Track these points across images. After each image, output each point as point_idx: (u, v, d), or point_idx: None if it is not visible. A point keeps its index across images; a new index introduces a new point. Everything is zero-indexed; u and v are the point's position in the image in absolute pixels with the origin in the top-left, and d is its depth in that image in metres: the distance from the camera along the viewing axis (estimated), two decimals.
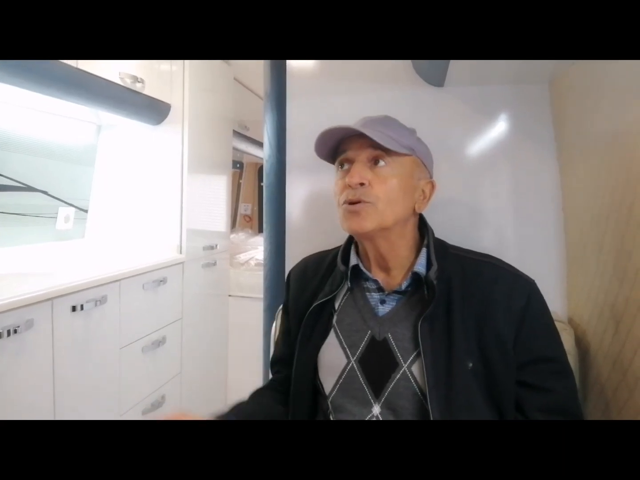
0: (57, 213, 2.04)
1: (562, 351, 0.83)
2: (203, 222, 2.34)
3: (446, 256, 0.86)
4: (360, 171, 0.80)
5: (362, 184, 0.80)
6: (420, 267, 0.84)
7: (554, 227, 1.12)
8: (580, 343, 1.00)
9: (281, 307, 1.03)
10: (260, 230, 3.93)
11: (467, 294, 0.81)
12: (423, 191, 0.86)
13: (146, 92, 1.94)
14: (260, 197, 4.18)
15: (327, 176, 1.28)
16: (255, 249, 3.07)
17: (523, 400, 0.79)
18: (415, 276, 0.84)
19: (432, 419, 0.74)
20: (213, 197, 2.46)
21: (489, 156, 1.16)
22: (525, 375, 0.79)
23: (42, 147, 1.92)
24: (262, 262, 1.39)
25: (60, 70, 1.48)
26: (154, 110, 2.05)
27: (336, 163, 0.88)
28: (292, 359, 0.95)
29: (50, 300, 1.34)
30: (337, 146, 0.87)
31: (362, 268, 0.87)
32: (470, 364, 0.77)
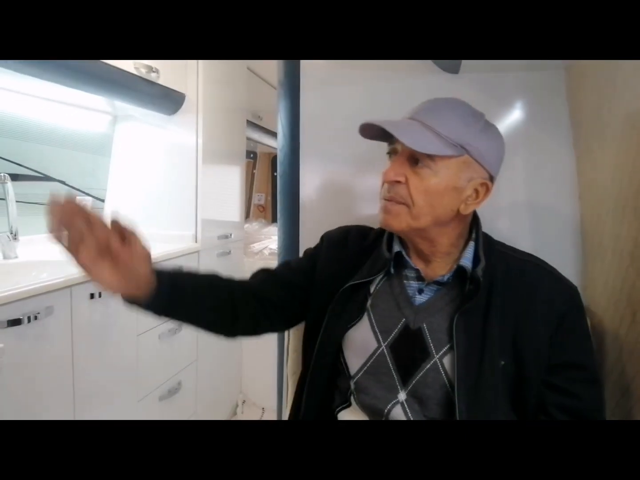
0: None
1: (593, 360, 0.82)
2: (218, 212, 2.36)
3: (492, 252, 0.84)
4: (397, 168, 0.77)
5: (398, 182, 0.77)
6: (467, 261, 0.81)
7: (570, 216, 1.11)
8: (597, 332, 0.99)
9: (310, 250, 1.00)
10: (274, 220, 3.94)
11: (508, 292, 0.80)
12: (477, 191, 0.79)
13: (161, 82, 1.94)
14: (273, 187, 4.18)
15: (341, 165, 1.29)
16: (269, 238, 3.09)
17: (547, 400, 0.79)
18: (460, 269, 0.82)
19: (457, 411, 0.75)
20: (227, 187, 2.47)
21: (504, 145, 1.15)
22: (554, 377, 0.79)
23: (59, 137, 1.95)
24: (276, 251, 1.40)
25: (76, 61, 1.49)
26: (169, 100, 2.06)
27: (387, 150, 0.84)
28: (281, 284, 0.94)
29: (69, 287, 1.36)
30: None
31: (405, 256, 0.86)
32: (502, 362, 0.77)
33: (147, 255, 0.72)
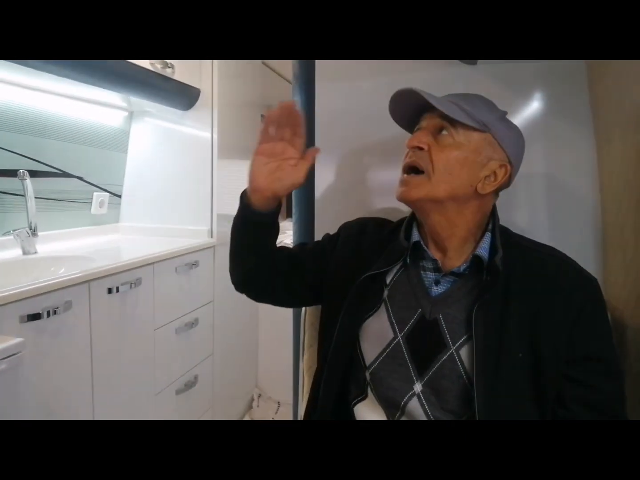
0: (91, 198, 2.09)
1: (613, 353, 0.81)
2: (233, 207, 2.35)
3: (509, 244, 0.83)
4: (421, 136, 0.81)
5: (420, 148, 0.80)
6: (483, 251, 0.81)
7: (591, 208, 1.09)
8: (618, 326, 0.97)
9: (327, 237, 1.02)
10: (288, 215, 3.94)
11: (527, 284, 0.80)
12: (495, 173, 0.81)
13: (176, 77, 1.96)
14: None
15: (356, 159, 1.28)
16: (283, 233, 3.09)
17: (565, 393, 0.78)
18: (476, 259, 0.82)
19: (476, 403, 0.75)
20: (242, 181, 2.47)
21: (523, 135, 1.13)
22: (573, 370, 0.78)
23: (77, 134, 1.97)
24: (291, 246, 1.40)
25: None
26: (184, 95, 2.07)
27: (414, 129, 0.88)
28: (298, 261, 0.98)
29: (87, 282, 1.39)
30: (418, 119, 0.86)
31: (423, 245, 0.86)
32: (521, 354, 0.77)
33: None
